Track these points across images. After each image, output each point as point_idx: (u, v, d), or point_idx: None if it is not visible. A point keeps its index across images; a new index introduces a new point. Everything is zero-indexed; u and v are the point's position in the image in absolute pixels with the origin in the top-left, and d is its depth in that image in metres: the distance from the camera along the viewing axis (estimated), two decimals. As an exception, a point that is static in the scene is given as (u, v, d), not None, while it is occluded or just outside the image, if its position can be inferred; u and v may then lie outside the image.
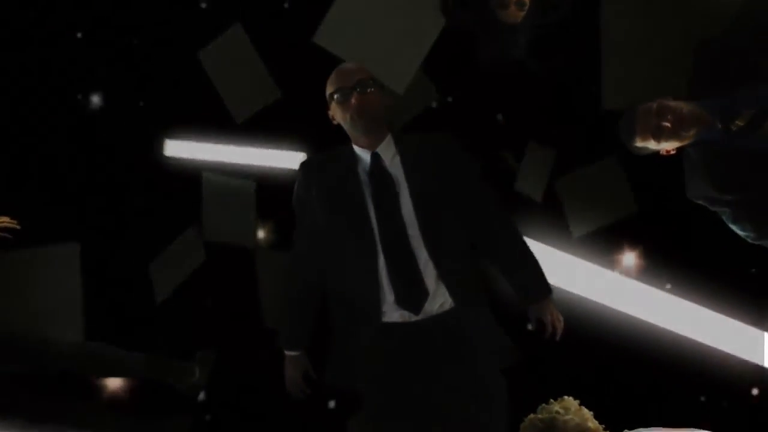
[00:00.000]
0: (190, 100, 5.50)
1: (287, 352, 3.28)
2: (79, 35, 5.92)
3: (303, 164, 3.29)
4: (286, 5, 5.86)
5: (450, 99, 5.72)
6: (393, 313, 3.07)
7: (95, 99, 6.00)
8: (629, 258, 5.58)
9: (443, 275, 3.07)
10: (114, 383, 5.08)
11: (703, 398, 5.42)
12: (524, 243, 3.27)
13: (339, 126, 3.23)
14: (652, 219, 5.32)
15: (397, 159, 3.18)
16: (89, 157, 5.82)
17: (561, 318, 3.24)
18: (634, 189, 4.98)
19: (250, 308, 5.21)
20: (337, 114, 3.20)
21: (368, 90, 3.15)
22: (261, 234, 5.61)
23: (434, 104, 5.61)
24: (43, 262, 4.20)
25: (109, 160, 5.81)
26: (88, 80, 5.95)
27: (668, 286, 5.40)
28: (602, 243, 5.31)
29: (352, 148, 3.22)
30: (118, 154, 5.80)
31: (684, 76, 3.44)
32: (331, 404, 5.31)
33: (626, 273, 5.53)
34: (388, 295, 3.07)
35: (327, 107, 3.23)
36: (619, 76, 3.62)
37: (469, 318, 3.08)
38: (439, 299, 3.08)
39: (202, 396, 5.30)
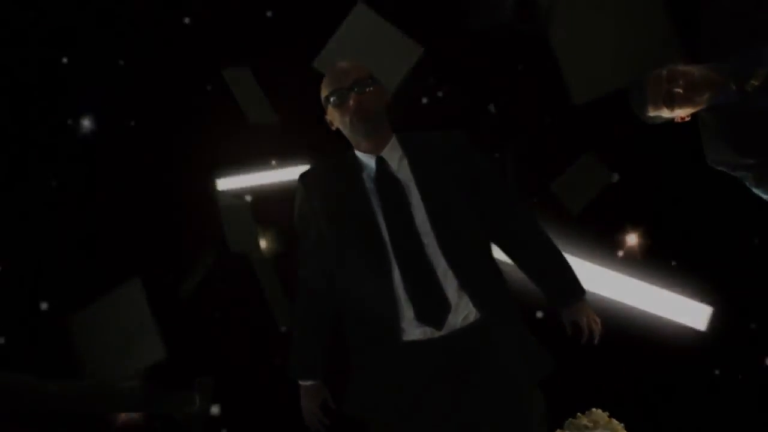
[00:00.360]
0: (184, 114, 5.55)
1: (302, 383, 2.82)
2: (65, 60, 5.73)
3: (302, 176, 2.81)
4: (269, 14, 5.60)
5: (441, 94, 5.49)
6: (413, 331, 2.59)
7: (86, 123, 5.75)
8: (632, 238, 5.34)
9: (465, 285, 2.60)
10: (117, 419, 4.82)
11: (717, 371, 5.22)
12: (551, 242, 2.80)
13: (338, 131, 2.78)
14: (651, 199, 5.24)
15: (405, 162, 2.71)
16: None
17: (598, 320, 2.77)
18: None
19: (261, 316, 5.34)
20: (335, 118, 2.74)
21: (366, 89, 2.68)
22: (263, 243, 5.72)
23: (425, 100, 5.42)
24: (115, 307, 4.51)
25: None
26: (77, 104, 5.80)
27: (674, 263, 5.25)
28: (604, 227, 5.24)
29: (354, 154, 2.75)
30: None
31: (638, 53, 3.56)
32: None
33: (630, 254, 5.30)
34: (407, 312, 2.59)
35: (324, 111, 2.78)
36: (579, 70, 3.68)
37: (497, 329, 2.62)
38: (463, 311, 2.60)
39: (216, 410, 5.23)
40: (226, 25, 5.48)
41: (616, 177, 5.26)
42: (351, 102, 2.66)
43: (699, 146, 3.09)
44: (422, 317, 2.58)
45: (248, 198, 5.41)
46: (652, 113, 2.92)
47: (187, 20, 5.68)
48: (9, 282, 5.46)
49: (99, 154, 5.79)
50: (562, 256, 2.79)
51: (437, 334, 2.59)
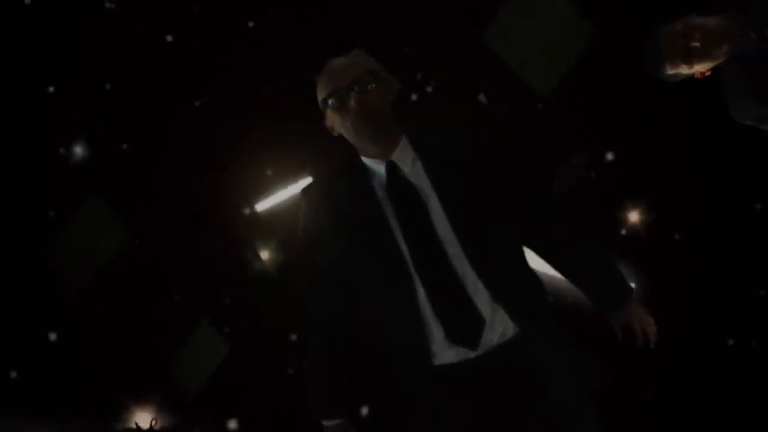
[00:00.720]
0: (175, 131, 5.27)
1: (325, 423, 2.35)
2: (51, 89, 5.40)
3: (305, 190, 2.36)
4: (250, 24, 5.27)
5: (430, 89, 5.14)
6: (445, 353, 2.15)
7: (78, 149, 5.42)
8: (634, 215, 5.01)
9: (498, 297, 2.15)
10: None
11: (731, 341, 4.89)
12: (590, 238, 2.34)
13: (340, 137, 2.31)
14: (651, 176, 4.94)
15: (418, 164, 2.24)
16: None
17: (652, 321, 2.31)
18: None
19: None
20: (335, 122, 2.28)
21: (368, 87, 2.22)
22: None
23: (415, 96, 5.16)
24: (194, 353, 5.03)
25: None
26: (66, 132, 5.47)
27: (677, 237, 5.00)
28: (605, 208, 4.98)
29: (360, 161, 2.29)
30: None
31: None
32: (365, 411, 4.60)
33: (633, 230, 4.99)
34: (436, 332, 2.14)
35: (322, 116, 2.32)
36: (532, 68, 3.77)
37: (540, 342, 2.18)
38: (499, 326, 2.16)
39: (234, 425, 4.97)
40: (207, 38, 5.13)
41: (610, 156, 5.02)
42: (352, 103, 2.20)
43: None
44: (454, 337, 2.14)
45: (247, 210, 5.11)
46: (670, 71, 2.63)
47: (169, 38, 5.30)
48: (16, 314, 5.15)
49: (94, 179, 5.44)
50: (603, 253, 2.34)
51: (472, 354, 2.15)
